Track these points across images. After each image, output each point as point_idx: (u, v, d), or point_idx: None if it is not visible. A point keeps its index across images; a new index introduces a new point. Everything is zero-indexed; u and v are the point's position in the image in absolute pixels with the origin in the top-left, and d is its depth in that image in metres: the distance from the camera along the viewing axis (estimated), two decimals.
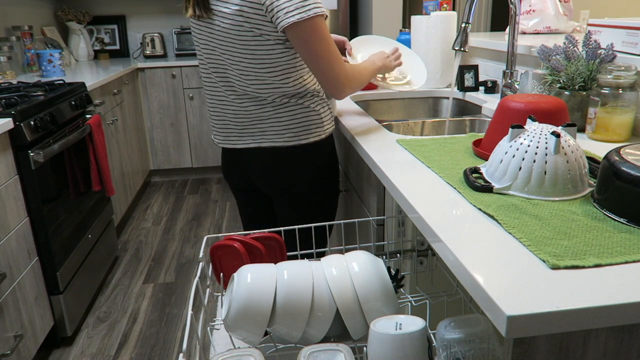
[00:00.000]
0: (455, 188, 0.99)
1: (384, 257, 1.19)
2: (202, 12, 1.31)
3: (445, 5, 2.52)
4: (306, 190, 1.47)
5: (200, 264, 1.12)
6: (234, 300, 0.94)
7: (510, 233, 0.80)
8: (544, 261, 0.71)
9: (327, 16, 1.28)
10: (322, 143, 1.45)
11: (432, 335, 0.95)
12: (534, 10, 2.19)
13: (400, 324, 0.86)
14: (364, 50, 1.74)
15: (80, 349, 2.15)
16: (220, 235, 1.21)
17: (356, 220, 1.23)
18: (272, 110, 1.37)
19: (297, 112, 1.39)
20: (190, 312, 0.96)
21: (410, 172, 1.10)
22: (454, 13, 2.10)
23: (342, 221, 1.23)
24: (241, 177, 1.53)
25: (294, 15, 1.20)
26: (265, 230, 1.18)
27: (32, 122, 1.95)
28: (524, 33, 2.19)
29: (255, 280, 0.94)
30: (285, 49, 1.30)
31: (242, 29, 1.27)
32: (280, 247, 1.13)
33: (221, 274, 1.14)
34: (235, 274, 0.98)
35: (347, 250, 1.11)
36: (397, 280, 1.03)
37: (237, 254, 1.10)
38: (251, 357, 0.90)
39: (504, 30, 2.30)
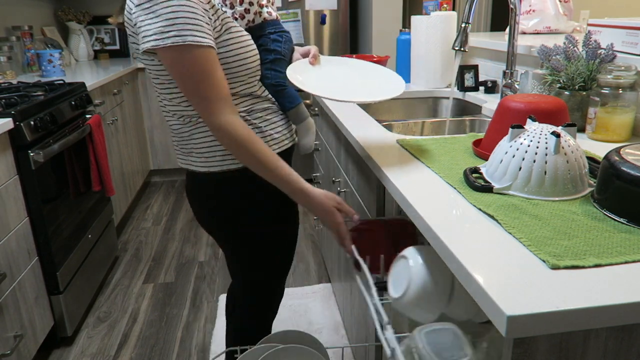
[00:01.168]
0: (455, 188, 0.99)
1: None
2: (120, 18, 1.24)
3: (445, 5, 2.52)
4: (214, 226, 1.33)
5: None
6: (415, 279, 0.95)
7: (510, 233, 0.80)
8: (544, 261, 0.71)
9: (205, 46, 1.06)
10: (238, 173, 1.22)
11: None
12: (534, 10, 2.19)
13: None
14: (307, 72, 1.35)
15: (80, 349, 2.15)
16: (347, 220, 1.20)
17: None
18: (187, 131, 1.21)
19: (207, 135, 1.20)
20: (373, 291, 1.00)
21: (410, 172, 1.10)
22: (454, 13, 2.10)
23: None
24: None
25: (149, 42, 1.05)
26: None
27: (32, 122, 1.95)
28: (524, 33, 2.19)
29: (429, 260, 0.95)
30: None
31: (133, 44, 1.17)
32: (388, 234, 1.15)
33: (364, 257, 1.14)
34: (407, 254, 0.99)
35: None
36: None
37: (377, 237, 1.12)
38: (450, 330, 0.92)
39: (504, 30, 2.30)
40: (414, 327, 0.99)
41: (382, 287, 1.05)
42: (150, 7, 1.04)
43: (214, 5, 1.14)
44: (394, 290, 1.00)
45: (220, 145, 1.19)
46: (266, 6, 1.34)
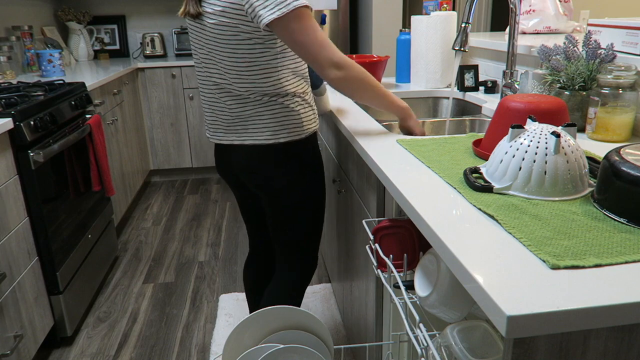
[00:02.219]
0: (455, 188, 0.99)
1: None
2: (194, 10, 1.35)
3: (445, 5, 2.52)
4: (285, 189, 1.49)
5: (375, 246, 1.16)
6: (442, 277, 0.95)
7: (510, 233, 0.80)
8: (544, 261, 0.71)
9: (309, 7, 1.28)
10: (301, 143, 1.46)
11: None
12: (534, 10, 2.19)
13: None
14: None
15: (80, 349, 2.15)
16: (371, 220, 1.33)
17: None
18: (253, 109, 1.40)
19: (276, 111, 1.40)
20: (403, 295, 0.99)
21: (410, 172, 1.10)
22: (454, 13, 2.10)
23: None
24: (229, 172, 1.57)
25: (274, 12, 1.23)
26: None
27: (32, 122, 1.95)
28: (524, 33, 2.19)
29: None
30: (265, 48, 1.32)
31: (224, 28, 1.30)
32: (410, 233, 1.17)
33: (390, 256, 1.14)
34: (434, 252, 1.00)
35: None
36: None
37: (404, 236, 1.15)
38: (481, 326, 0.93)
39: (504, 30, 2.30)
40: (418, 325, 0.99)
41: (407, 286, 1.05)
42: None
43: None
44: (421, 289, 1.01)
45: (287, 119, 1.41)
46: None
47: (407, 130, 1.52)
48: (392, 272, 1.07)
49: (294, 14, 1.24)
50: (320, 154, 1.56)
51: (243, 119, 1.42)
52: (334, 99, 1.99)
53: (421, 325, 0.91)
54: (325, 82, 1.66)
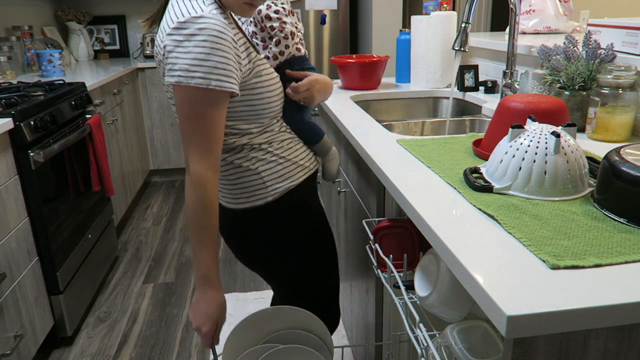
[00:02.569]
0: (455, 188, 0.99)
1: None
2: (153, 28, 1.19)
3: (445, 5, 2.52)
4: (262, 260, 1.30)
5: (374, 245, 1.16)
6: (442, 277, 0.95)
7: (510, 233, 0.80)
8: (544, 261, 0.71)
9: (225, 91, 1.03)
10: (269, 207, 1.21)
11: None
12: (534, 10, 2.19)
13: None
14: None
15: (80, 349, 2.15)
16: (371, 220, 1.28)
17: None
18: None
19: (230, 173, 1.19)
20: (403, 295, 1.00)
21: (410, 172, 1.10)
22: (454, 13, 2.10)
23: None
24: None
25: (173, 77, 1.01)
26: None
27: (32, 122, 1.95)
28: (524, 33, 2.19)
29: None
30: None
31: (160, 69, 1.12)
32: (410, 233, 1.17)
33: (390, 255, 1.14)
34: (434, 252, 1.00)
35: None
36: None
37: (403, 236, 1.14)
38: (481, 326, 0.92)
39: (504, 30, 2.30)
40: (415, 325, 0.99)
41: (407, 286, 1.05)
42: (183, 41, 1.00)
43: (248, 48, 1.11)
44: (421, 289, 1.01)
45: (244, 180, 1.18)
46: (297, 43, 1.31)
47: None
48: (392, 272, 1.07)
49: (181, 89, 1.01)
50: (313, 210, 1.30)
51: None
52: (332, 99, 1.99)
53: (421, 325, 0.91)
54: (329, 143, 1.37)
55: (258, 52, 1.17)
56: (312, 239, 1.31)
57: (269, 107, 1.16)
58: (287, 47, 1.27)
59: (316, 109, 2.42)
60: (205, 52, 0.98)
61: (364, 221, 1.24)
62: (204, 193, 1.04)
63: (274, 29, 1.26)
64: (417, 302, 1.08)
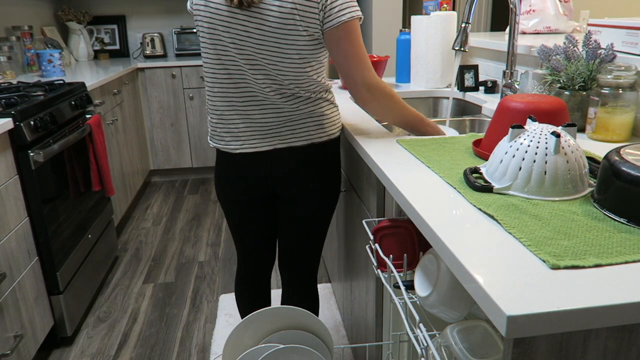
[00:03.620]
0: (455, 188, 0.99)
1: None
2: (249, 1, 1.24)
3: (445, 5, 2.52)
4: (318, 187, 1.47)
5: (374, 246, 1.17)
6: (442, 277, 0.95)
7: (510, 233, 0.80)
8: (544, 261, 0.71)
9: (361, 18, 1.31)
10: (337, 140, 1.48)
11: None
12: (534, 10, 2.19)
13: None
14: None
15: (80, 349, 2.15)
16: (371, 220, 1.34)
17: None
18: (306, 107, 1.36)
19: (325, 108, 1.40)
20: (403, 295, 1.01)
21: (410, 172, 1.10)
22: (454, 13, 2.10)
23: None
24: (258, 186, 1.45)
25: (348, 13, 1.25)
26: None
27: (32, 122, 1.95)
28: (524, 33, 2.19)
29: None
30: (323, 47, 1.32)
31: (289, 25, 1.25)
32: (410, 233, 1.17)
33: (390, 256, 1.14)
34: (434, 252, 1.00)
35: None
36: None
37: (404, 236, 1.15)
38: (481, 326, 0.92)
39: (504, 30, 2.30)
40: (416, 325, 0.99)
41: (407, 286, 1.05)
42: None
43: None
44: (421, 289, 1.01)
45: (331, 115, 1.41)
46: None
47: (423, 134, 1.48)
48: (392, 272, 1.07)
49: (352, 23, 1.27)
50: None
51: (293, 119, 1.36)
52: None
53: (421, 325, 0.91)
54: None
55: None
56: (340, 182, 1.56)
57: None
58: None
59: None
60: None
61: (364, 221, 1.24)
62: (389, 89, 1.36)
63: None
64: (417, 302, 1.08)
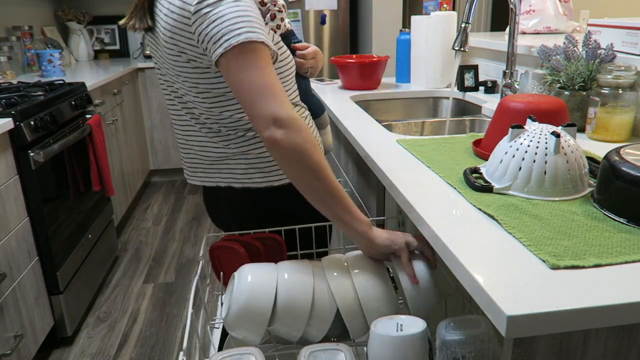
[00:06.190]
0: (455, 188, 0.99)
1: None
2: (139, 25, 1.09)
3: (445, 5, 2.52)
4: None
5: (200, 262, 1.13)
6: (234, 299, 0.94)
7: (510, 233, 0.80)
8: (544, 261, 0.71)
9: (264, 43, 0.99)
10: (282, 191, 1.20)
11: (432, 336, 0.95)
12: (534, 10, 2.19)
13: (401, 325, 0.85)
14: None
15: (80, 349, 2.15)
16: (219, 234, 1.23)
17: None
18: (236, 148, 1.16)
19: (260, 150, 1.16)
20: (190, 310, 0.96)
21: (410, 172, 1.10)
22: (454, 13, 2.10)
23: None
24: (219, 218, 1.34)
25: (221, 45, 0.97)
26: (265, 230, 1.18)
27: (32, 122, 1.95)
28: (524, 33, 2.19)
29: (255, 280, 0.94)
30: (221, 77, 1.09)
31: (176, 54, 1.06)
32: (280, 247, 1.13)
33: (221, 273, 1.14)
34: (235, 273, 0.99)
35: (348, 251, 1.11)
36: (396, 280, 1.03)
37: (237, 254, 1.10)
38: (252, 356, 0.90)
39: (504, 30, 2.31)
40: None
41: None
42: (212, 10, 0.97)
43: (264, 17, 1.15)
44: (223, 310, 0.98)
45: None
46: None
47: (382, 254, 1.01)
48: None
49: (239, 49, 0.96)
50: None
51: (228, 157, 1.18)
52: (332, 99, 1.99)
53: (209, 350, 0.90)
54: (327, 112, 1.44)
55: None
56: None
57: (291, 72, 1.19)
58: (282, 20, 1.27)
59: None
60: (241, 11, 0.98)
61: (205, 236, 1.21)
62: (302, 133, 0.96)
63: (266, 3, 1.24)
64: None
